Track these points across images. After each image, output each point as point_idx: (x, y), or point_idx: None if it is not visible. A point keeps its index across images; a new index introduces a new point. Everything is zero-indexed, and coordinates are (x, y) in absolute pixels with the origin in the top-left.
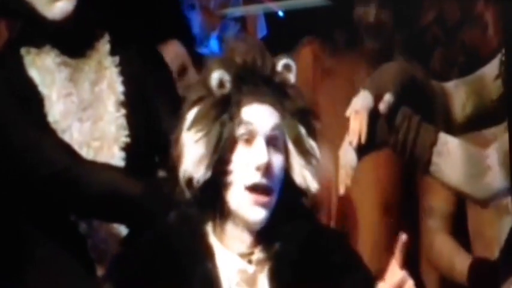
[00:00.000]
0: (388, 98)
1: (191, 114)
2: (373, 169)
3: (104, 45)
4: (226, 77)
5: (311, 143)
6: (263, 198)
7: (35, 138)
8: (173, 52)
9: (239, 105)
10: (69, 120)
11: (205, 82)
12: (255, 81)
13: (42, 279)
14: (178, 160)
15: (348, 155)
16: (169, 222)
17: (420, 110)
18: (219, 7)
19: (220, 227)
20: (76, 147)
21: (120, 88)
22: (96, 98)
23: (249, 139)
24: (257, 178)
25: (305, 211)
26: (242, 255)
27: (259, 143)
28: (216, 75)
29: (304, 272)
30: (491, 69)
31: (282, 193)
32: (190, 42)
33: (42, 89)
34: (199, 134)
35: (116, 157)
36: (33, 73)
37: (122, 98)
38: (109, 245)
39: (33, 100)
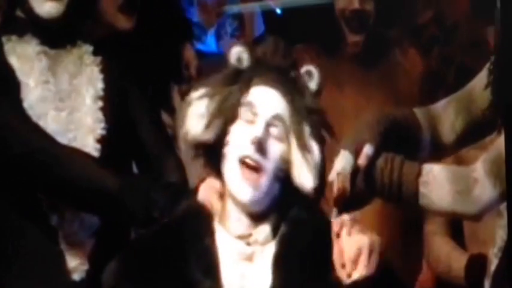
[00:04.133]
0: (366, 149)
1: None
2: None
3: (87, 45)
4: (245, 55)
5: (311, 143)
6: (251, 174)
7: (11, 117)
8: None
9: (249, 83)
10: (45, 108)
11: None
12: (270, 68)
13: (14, 269)
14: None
15: (335, 218)
16: (180, 210)
17: (404, 149)
18: (217, 4)
19: (222, 209)
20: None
21: (100, 84)
22: (74, 89)
23: (251, 120)
24: (250, 151)
25: (307, 201)
26: (241, 237)
27: (259, 122)
28: (235, 51)
29: (309, 260)
30: (480, 81)
31: (282, 183)
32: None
33: (20, 75)
34: (203, 92)
35: (90, 148)
36: (13, 60)
37: (100, 93)
38: (80, 237)
39: (10, 84)
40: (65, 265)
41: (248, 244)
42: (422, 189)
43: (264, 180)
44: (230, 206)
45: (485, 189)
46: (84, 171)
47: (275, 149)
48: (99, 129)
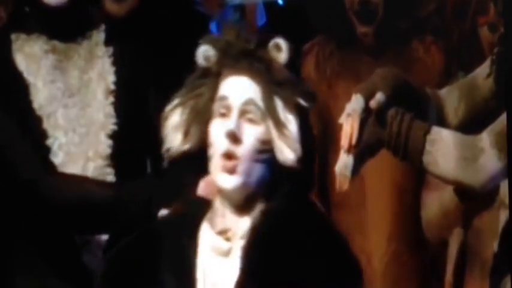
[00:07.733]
0: (379, 96)
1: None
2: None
3: (99, 35)
4: (211, 52)
5: (287, 116)
6: (228, 163)
7: (19, 139)
8: None
9: (218, 79)
10: (54, 106)
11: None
12: (236, 55)
13: (29, 262)
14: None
15: (342, 160)
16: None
17: (413, 111)
18: None
19: (212, 207)
20: (61, 132)
21: (111, 78)
22: (84, 85)
23: (225, 113)
24: (227, 145)
25: (294, 188)
26: (221, 232)
27: (233, 113)
28: (201, 50)
29: (276, 251)
30: (483, 70)
31: (267, 165)
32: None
33: (27, 76)
34: (175, 103)
35: (102, 144)
36: (20, 59)
37: (112, 87)
38: None
39: (17, 88)
40: (80, 258)
41: (227, 239)
42: (428, 146)
43: (242, 166)
44: (218, 203)
45: (490, 160)
46: (78, 195)
47: (250, 133)
48: (111, 125)
